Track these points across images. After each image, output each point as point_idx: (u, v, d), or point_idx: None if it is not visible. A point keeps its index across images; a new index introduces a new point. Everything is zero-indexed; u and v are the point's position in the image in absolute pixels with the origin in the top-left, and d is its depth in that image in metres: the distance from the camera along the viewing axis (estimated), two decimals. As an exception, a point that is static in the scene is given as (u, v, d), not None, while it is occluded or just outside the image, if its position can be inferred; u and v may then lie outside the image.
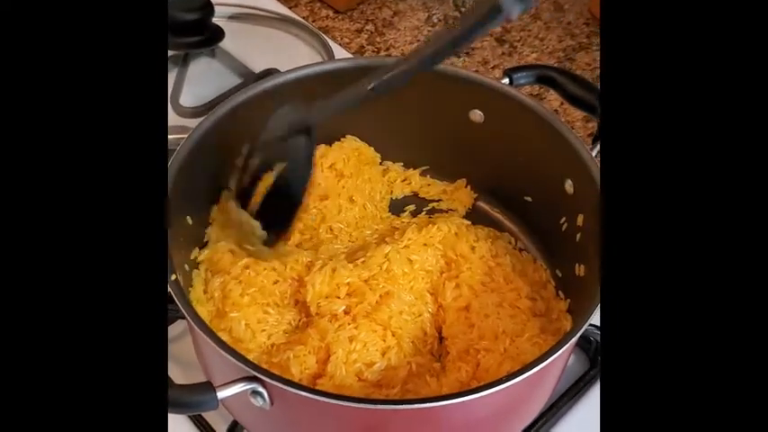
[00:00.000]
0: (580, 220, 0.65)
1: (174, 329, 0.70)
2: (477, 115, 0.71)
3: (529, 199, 0.72)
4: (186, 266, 0.65)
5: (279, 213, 0.63)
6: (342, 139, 0.75)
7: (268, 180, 0.63)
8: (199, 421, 0.65)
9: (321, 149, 0.74)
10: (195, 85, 0.92)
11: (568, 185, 0.66)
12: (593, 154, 0.63)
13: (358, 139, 0.76)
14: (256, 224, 0.63)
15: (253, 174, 0.62)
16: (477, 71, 0.98)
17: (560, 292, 0.68)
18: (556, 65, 1.02)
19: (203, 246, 0.68)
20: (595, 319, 0.67)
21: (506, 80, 0.69)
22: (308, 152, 0.61)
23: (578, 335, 0.53)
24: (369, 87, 0.55)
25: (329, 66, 0.73)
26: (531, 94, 0.97)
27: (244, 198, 0.63)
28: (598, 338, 0.70)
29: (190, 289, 0.64)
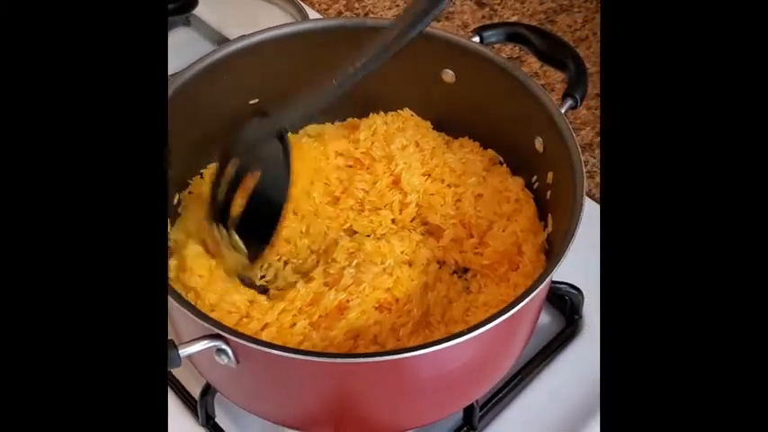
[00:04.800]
0: (550, 177, 0.65)
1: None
2: (448, 75, 0.71)
3: (500, 159, 0.72)
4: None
5: (260, 225, 0.62)
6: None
7: (245, 189, 0.62)
8: (174, 384, 0.66)
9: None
10: (171, 54, 0.91)
11: (538, 143, 0.66)
12: (563, 110, 0.63)
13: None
14: (237, 240, 0.62)
15: (228, 186, 0.62)
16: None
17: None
18: (536, 27, 1.00)
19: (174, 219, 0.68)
20: (571, 278, 0.68)
21: (477, 39, 0.69)
22: (284, 158, 0.61)
23: (543, 284, 0.53)
24: (333, 81, 0.58)
25: (300, 27, 0.72)
26: (512, 57, 0.96)
27: (221, 213, 0.63)
28: (573, 298, 0.71)
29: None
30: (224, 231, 0.63)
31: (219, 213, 0.63)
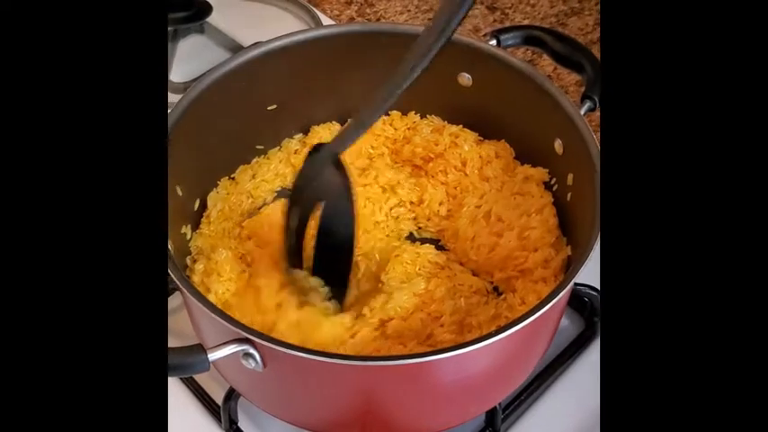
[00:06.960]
0: (570, 179, 0.65)
1: (172, 302, 0.70)
2: (465, 78, 0.71)
3: (518, 161, 0.72)
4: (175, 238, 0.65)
5: (334, 261, 0.61)
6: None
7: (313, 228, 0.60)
8: (197, 390, 0.66)
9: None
10: (185, 61, 0.93)
11: (558, 145, 0.66)
12: (582, 112, 0.63)
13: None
14: (316, 281, 0.62)
15: (297, 230, 0.61)
16: (468, 38, 0.98)
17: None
18: (548, 30, 1.01)
19: (195, 225, 0.69)
20: (590, 280, 0.68)
21: (494, 42, 0.69)
22: (343, 183, 0.58)
23: (567, 289, 0.53)
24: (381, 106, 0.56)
25: (315, 33, 0.72)
26: (525, 60, 0.96)
27: (296, 258, 0.62)
28: (593, 300, 0.70)
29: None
30: (302, 274, 0.62)
31: (294, 259, 0.62)
